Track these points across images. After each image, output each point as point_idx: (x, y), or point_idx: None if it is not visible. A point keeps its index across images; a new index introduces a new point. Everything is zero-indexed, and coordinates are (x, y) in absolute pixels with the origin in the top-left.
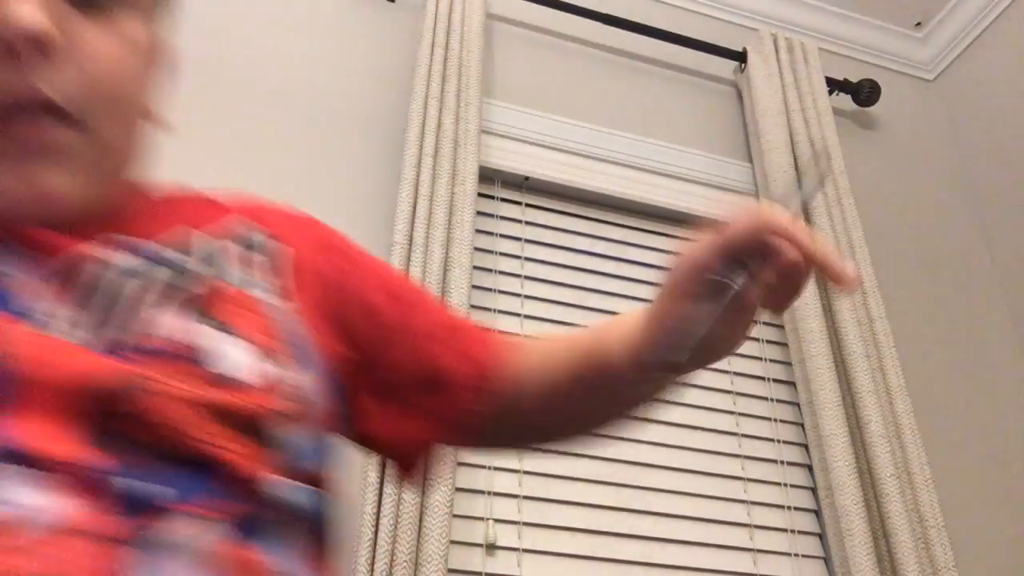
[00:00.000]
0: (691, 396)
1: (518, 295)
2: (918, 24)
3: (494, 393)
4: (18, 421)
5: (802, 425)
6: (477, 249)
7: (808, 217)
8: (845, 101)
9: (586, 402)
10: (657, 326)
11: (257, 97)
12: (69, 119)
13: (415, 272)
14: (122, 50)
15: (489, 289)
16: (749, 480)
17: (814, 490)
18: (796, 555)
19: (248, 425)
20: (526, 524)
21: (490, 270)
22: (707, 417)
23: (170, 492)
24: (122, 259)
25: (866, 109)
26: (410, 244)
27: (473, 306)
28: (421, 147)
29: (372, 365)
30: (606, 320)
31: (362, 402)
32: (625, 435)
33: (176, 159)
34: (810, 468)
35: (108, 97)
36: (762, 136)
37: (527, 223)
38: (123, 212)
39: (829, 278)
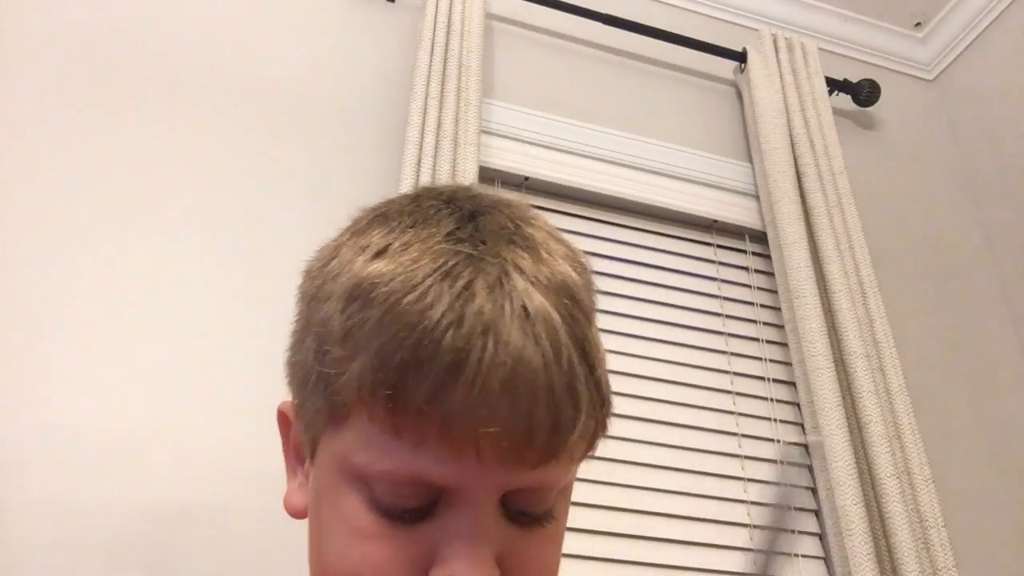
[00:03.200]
0: (691, 396)
1: None
2: (918, 24)
3: None
4: None
5: (802, 425)
6: None
7: (809, 220)
8: (845, 101)
9: None
10: None
11: (257, 97)
12: None
13: None
14: (551, 550)
15: None
16: (749, 480)
17: (814, 490)
18: (796, 555)
19: None
20: None
21: None
22: (707, 417)
23: None
24: None
25: (866, 109)
26: None
27: None
28: (421, 147)
29: None
30: None
31: None
32: (625, 435)
33: (176, 159)
34: (810, 468)
35: None
36: (762, 136)
37: None
38: None
39: None
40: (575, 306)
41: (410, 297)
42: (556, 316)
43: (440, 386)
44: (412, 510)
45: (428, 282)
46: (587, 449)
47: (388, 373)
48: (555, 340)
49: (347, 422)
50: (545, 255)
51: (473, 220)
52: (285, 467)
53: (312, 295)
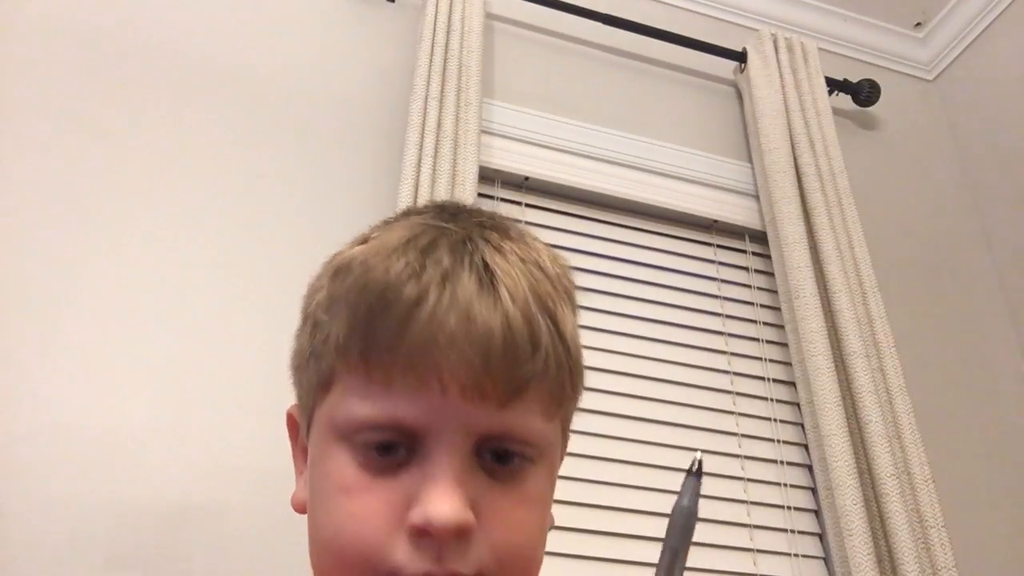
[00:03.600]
0: (691, 396)
1: None
2: (918, 24)
3: None
4: None
5: (802, 425)
6: None
7: (809, 220)
8: (845, 101)
9: None
10: None
11: (257, 97)
12: None
13: None
14: (530, 513)
15: None
16: (749, 480)
17: (814, 490)
18: (796, 555)
19: None
20: None
21: None
22: (707, 417)
23: None
24: None
25: (866, 109)
26: None
27: None
28: (421, 147)
29: None
30: None
31: None
32: (625, 435)
33: (175, 158)
34: (810, 468)
35: (514, 562)
36: (762, 136)
37: (527, 223)
38: None
39: None
40: (543, 275)
41: (379, 258)
42: (518, 273)
43: (402, 326)
44: (392, 461)
45: (397, 247)
46: (556, 407)
47: (358, 322)
48: (515, 289)
49: (332, 386)
50: (516, 236)
51: (454, 215)
52: (294, 468)
53: (310, 290)
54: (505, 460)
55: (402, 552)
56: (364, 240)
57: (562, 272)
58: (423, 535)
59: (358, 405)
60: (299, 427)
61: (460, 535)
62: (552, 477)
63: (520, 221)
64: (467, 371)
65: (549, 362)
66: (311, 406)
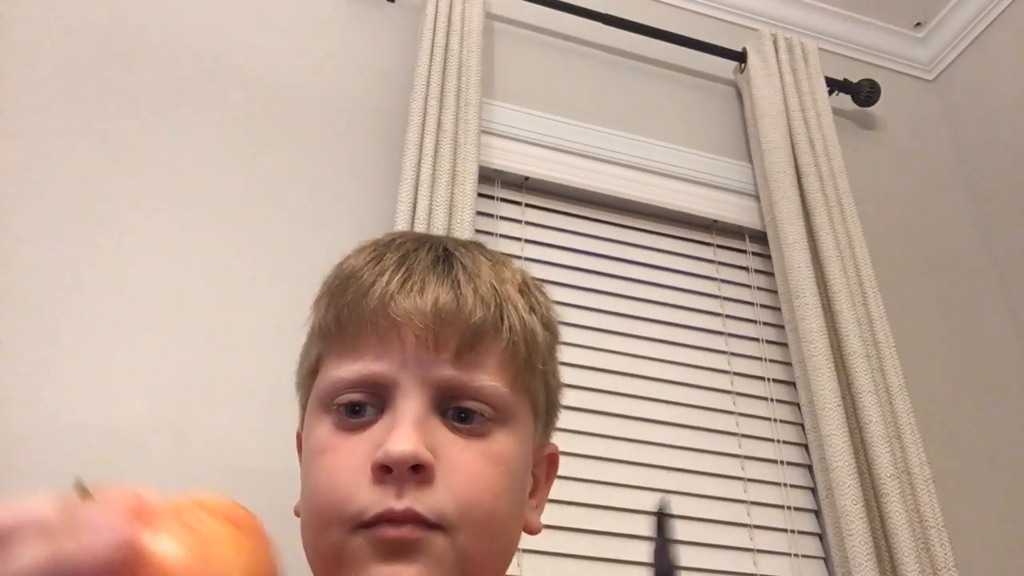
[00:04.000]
0: (691, 396)
1: None
2: (918, 24)
3: None
4: None
5: (802, 425)
6: None
7: (809, 220)
8: (845, 101)
9: None
10: None
11: (257, 97)
12: (433, 526)
13: None
14: (492, 469)
15: None
16: (749, 480)
17: (814, 490)
18: (796, 555)
19: None
20: None
21: None
22: (707, 417)
23: None
24: None
25: (866, 109)
26: None
27: None
28: (421, 147)
29: None
30: None
31: None
32: (624, 435)
33: (175, 158)
34: (810, 468)
35: (473, 512)
36: (762, 136)
37: (527, 223)
38: None
39: None
40: (507, 272)
41: (353, 254)
42: (480, 262)
43: (365, 293)
44: (363, 421)
45: (368, 245)
46: (513, 373)
47: (332, 301)
48: (472, 268)
49: (319, 369)
50: (495, 255)
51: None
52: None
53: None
54: (467, 419)
55: (365, 492)
56: (359, 249)
57: (527, 277)
58: (383, 471)
59: (335, 370)
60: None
61: (418, 471)
62: (522, 447)
63: (520, 221)
64: (421, 323)
65: (500, 324)
66: (305, 400)
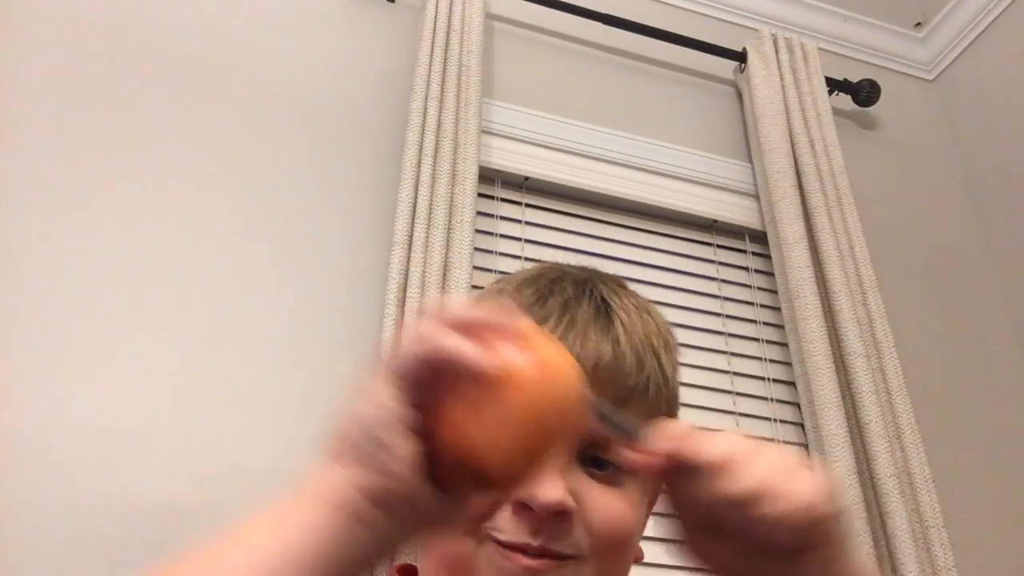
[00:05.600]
0: (691, 396)
1: None
2: (918, 24)
3: None
4: None
5: (802, 425)
6: (477, 249)
7: (809, 220)
8: (845, 101)
9: None
10: None
11: (257, 97)
12: (567, 557)
13: (415, 272)
14: (623, 504)
15: None
16: None
17: None
18: None
19: None
20: None
21: (490, 270)
22: (707, 417)
23: None
24: None
25: (866, 109)
26: (410, 245)
27: None
28: (421, 147)
29: None
30: None
31: None
32: None
33: (175, 158)
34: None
35: (607, 547)
36: (762, 136)
37: (527, 223)
38: None
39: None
40: (651, 320)
41: (511, 287)
42: (631, 310)
43: None
44: None
45: (526, 279)
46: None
47: None
48: (628, 322)
49: None
50: (630, 289)
51: (571, 267)
52: None
53: None
54: (602, 467)
55: (503, 519)
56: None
57: (667, 327)
58: (524, 510)
59: None
60: None
61: (559, 515)
62: (643, 501)
63: (520, 221)
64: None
65: (650, 384)
66: None
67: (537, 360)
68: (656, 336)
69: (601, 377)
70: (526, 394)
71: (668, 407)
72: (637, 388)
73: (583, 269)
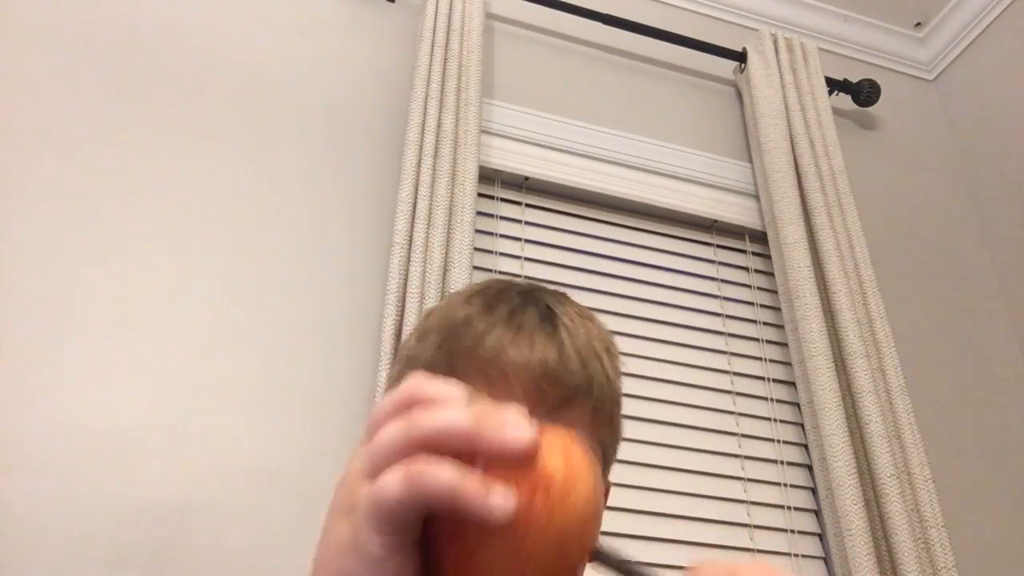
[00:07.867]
0: (691, 396)
1: None
2: (918, 24)
3: None
4: None
5: (802, 425)
6: (477, 249)
7: (809, 220)
8: (845, 101)
9: None
10: None
11: (257, 97)
12: None
13: (415, 272)
14: None
15: None
16: (749, 480)
17: (814, 490)
18: (796, 555)
19: None
20: None
21: (490, 270)
22: (707, 417)
23: None
24: None
25: (866, 109)
26: (410, 244)
27: None
28: (421, 147)
29: None
30: None
31: None
32: (624, 435)
33: (174, 159)
34: (810, 468)
35: None
36: (762, 136)
37: (527, 223)
38: None
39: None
40: (596, 328)
41: (459, 299)
42: (575, 318)
43: (478, 340)
44: None
45: (472, 293)
46: (596, 427)
47: (444, 339)
48: (572, 328)
49: None
50: (573, 302)
51: (517, 282)
52: None
53: (400, 345)
54: None
55: None
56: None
57: (608, 333)
58: None
59: None
60: None
61: None
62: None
63: (520, 221)
64: (529, 376)
65: (593, 383)
66: None
67: (551, 484)
68: (598, 340)
69: (548, 378)
70: (543, 535)
71: (611, 405)
72: (581, 388)
73: (528, 282)
